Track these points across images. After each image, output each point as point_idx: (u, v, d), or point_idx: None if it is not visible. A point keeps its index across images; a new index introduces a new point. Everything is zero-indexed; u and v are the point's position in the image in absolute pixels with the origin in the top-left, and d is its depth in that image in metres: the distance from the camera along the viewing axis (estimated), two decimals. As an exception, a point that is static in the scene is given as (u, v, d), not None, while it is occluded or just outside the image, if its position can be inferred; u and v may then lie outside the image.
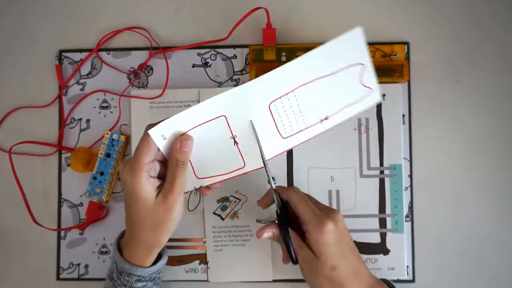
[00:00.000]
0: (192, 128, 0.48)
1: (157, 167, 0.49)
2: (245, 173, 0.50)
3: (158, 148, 0.48)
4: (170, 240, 0.60)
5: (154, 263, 0.52)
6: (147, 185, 0.48)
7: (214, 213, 0.60)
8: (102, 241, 0.62)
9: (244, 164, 0.50)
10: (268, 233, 0.51)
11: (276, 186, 0.51)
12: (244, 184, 0.60)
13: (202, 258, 0.61)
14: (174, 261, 0.60)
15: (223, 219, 0.60)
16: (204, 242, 0.61)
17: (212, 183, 0.51)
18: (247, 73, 0.62)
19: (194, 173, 0.50)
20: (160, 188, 0.49)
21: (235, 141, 0.49)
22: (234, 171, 0.50)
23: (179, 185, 0.48)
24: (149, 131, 0.47)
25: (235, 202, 0.60)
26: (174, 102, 0.61)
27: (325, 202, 0.60)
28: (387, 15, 0.62)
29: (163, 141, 0.48)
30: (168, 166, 0.49)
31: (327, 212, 0.49)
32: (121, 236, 0.53)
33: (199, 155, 0.49)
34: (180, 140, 0.48)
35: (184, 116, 0.47)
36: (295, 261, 0.49)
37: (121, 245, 0.52)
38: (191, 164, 0.50)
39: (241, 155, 0.50)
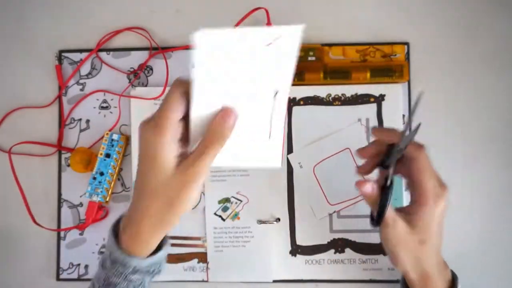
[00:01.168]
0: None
1: (180, 130, 0.42)
2: None
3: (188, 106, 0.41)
4: (169, 238, 0.60)
5: (153, 254, 0.46)
6: (171, 149, 0.41)
7: (215, 214, 0.60)
8: (102, 241, 0.62)
9: None
10: (367, 188, 0.46)
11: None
12: (245, 185, 0.60)
13: (201, 257, 0.61)
14: (173, 259, 0.60)
15: (224, 220, 0.60)
16: (204, 241, 0.61)
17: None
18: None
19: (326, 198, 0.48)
20: (180, 158, 0.42)
21: None
22: None
23: (206, 164, 0.41)
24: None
25: (236, 203, 0.60)
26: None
27: (325, 202, 0.60)
28: (387, 15, 0.62)
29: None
30: (204, 137, 0.42)
31: (442, 186, 0.48)
32: (117, 222, 0.47)
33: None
34: (224, 112, 0.41)
35: None
36: (378, 224, 0.47)
37: (119, 229, 0.45)
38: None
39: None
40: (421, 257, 0.48)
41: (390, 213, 0.46)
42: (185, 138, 0.43)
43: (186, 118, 0.42)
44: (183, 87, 0.41)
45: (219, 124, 0.41)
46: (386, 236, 0.47)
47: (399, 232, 0.47)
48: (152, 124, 0.41)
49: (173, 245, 0.60)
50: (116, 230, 0.46)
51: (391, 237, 0.47)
